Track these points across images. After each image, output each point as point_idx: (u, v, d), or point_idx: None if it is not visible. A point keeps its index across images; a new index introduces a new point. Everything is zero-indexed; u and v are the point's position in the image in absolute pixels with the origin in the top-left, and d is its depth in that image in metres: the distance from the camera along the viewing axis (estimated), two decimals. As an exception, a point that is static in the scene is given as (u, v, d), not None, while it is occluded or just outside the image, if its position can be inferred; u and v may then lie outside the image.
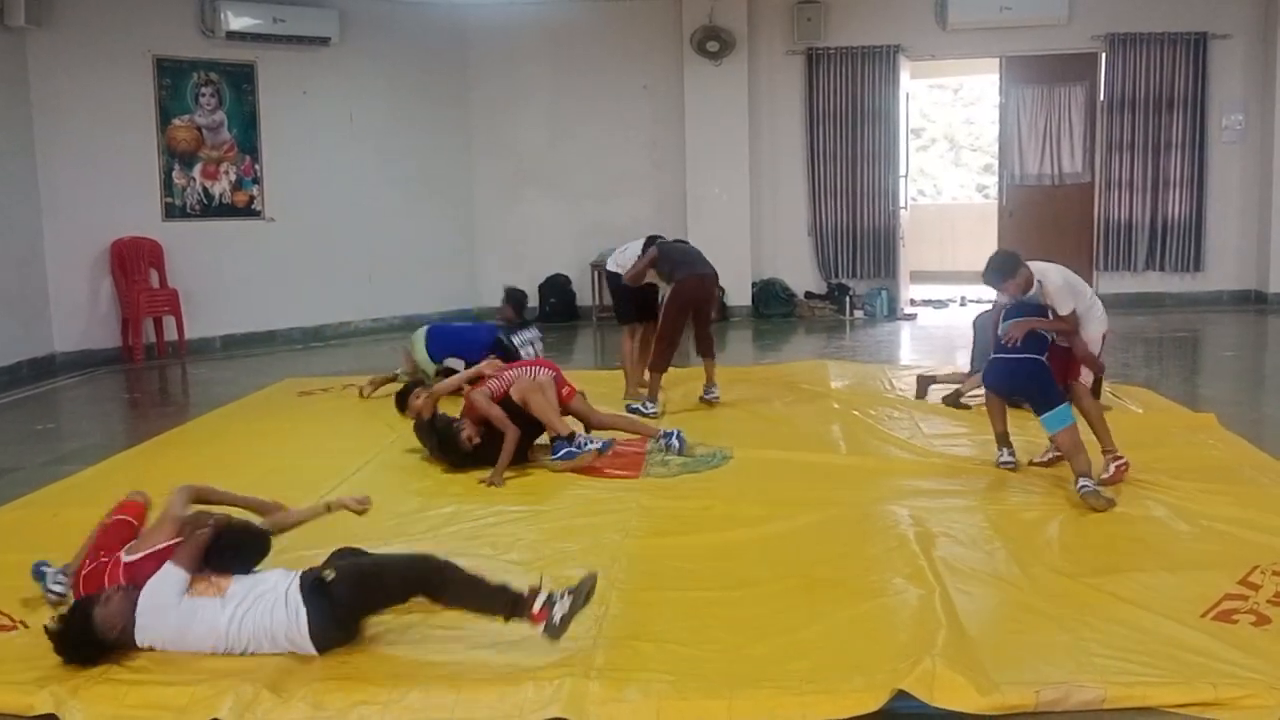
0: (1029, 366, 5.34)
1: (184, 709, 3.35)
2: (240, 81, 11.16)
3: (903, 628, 3.77)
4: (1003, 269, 5.48)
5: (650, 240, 7.78)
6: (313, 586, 3.69)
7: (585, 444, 6.00)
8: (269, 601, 3.67)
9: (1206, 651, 3.51)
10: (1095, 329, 5.70)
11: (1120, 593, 4.01)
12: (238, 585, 3.75)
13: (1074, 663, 3.46)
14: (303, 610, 3.63)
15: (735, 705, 3.27)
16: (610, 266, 8.01)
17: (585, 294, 12.72)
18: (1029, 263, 5.54)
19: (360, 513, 4.47)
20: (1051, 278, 5.46)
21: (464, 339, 8.23)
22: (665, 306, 7.45)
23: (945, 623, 3.71)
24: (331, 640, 3.66)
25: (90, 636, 3.61)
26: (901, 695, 3.23)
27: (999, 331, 5.49)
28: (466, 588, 3.71)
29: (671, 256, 7.56)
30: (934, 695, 3.20)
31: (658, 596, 4.14)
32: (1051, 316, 5.43)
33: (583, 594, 3.64)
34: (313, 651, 3.64)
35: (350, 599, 3.68)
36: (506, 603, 3.65)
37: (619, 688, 3.37)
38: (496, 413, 5.96)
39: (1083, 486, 5.07)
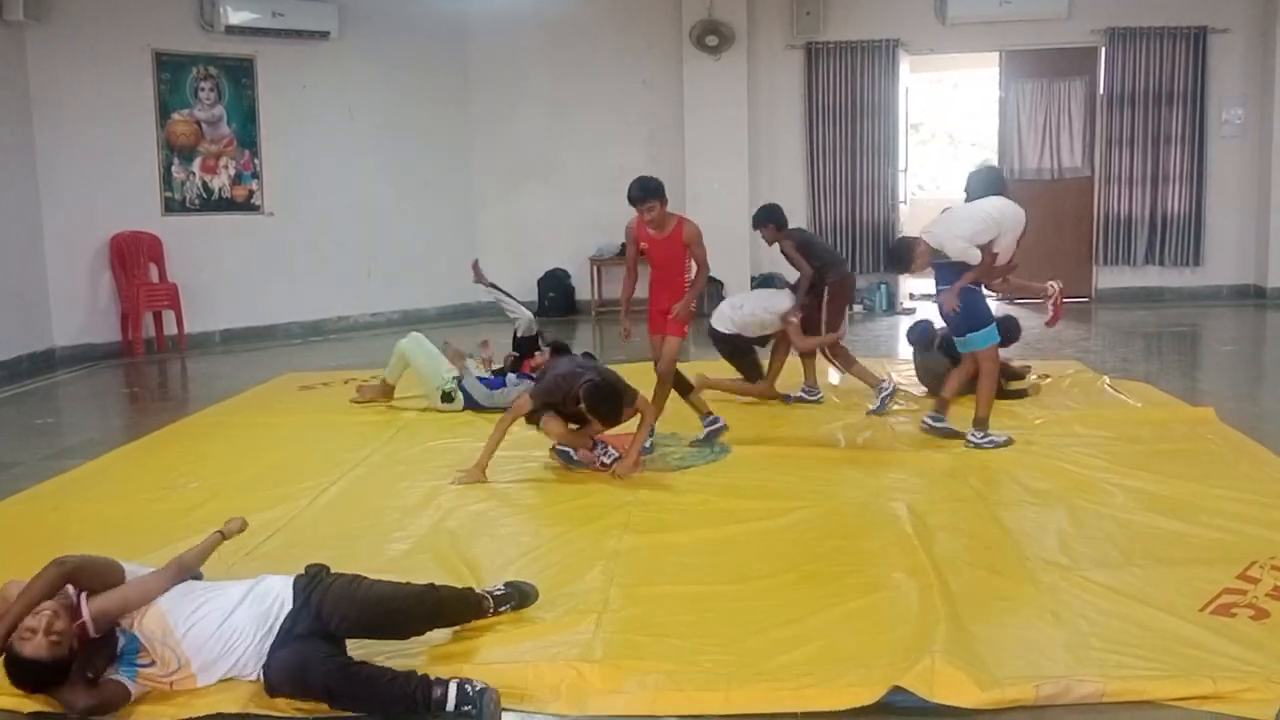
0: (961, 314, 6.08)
1: (185, 703, 3.36)
2: (240, 76, 11.15)
3: (901, 621, 3.78)
4: (900, 258, 6.15)
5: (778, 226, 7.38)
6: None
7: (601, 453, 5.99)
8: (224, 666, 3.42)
9: (1205, 645, 3.51)
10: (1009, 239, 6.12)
11: (1119, 587, 4.01)
12: (197, 652, 3.40)
13: (1073, 657, 3.47)
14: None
15: (732, 697, 3.28)
16: (726, 329, 7.19)
17: (584, 288, 12.73)
18: (928, 232, 6.05)
19: (239, 531, 3.99)
20: (953, 246, 5.90)
21: None
22: (829, 307, 7.18)
23: (944, 617, 3.72)
24: None
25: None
26: (899, 689, 3.23)
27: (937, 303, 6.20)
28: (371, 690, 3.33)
29: (821, 254, 7.36)
30: (934, 691, 3.20)
31: (656, 591, 4.15)
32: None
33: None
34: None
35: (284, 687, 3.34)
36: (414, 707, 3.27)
37: (617, 680, 3.38)
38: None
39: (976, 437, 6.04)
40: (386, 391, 7.78)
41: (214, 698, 3.36)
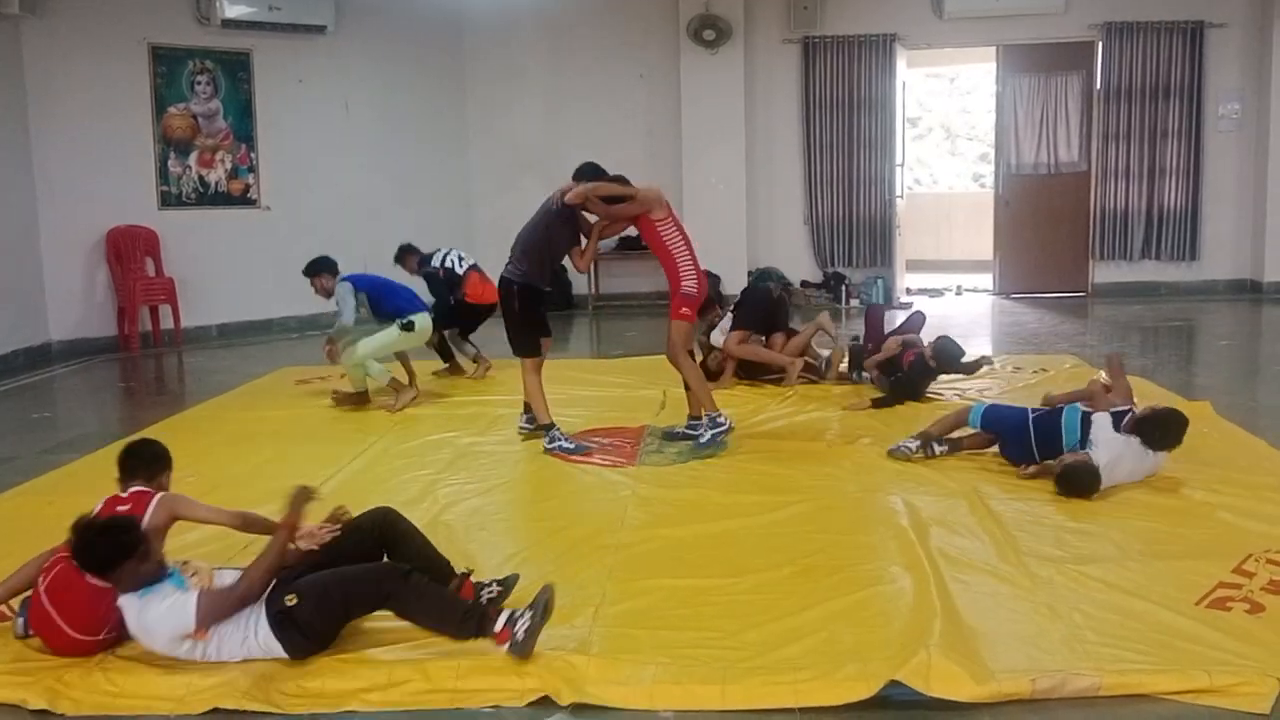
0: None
1: (182, 699, 3.36)
2: (236, 70, 11.13)
3: (898, 616, 3.79)
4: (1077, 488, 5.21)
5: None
6: (278, 619, 3.52)
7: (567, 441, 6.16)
8: (240, 636, 3.54)
9: (1201, 639, 3.53)
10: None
11: (1115, 581, 4.02)
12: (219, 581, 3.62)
13: (1069, 651, 3.47)
14: (275, 645, 3.52)
15: (728, 690, 3.29)
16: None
17: (581, 282, 12.68)
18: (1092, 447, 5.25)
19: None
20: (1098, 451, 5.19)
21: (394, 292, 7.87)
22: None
23: (940, 611, 3.73)
24: (309, 653, 3.56)
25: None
26: (895, 683, 3.24)
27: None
28: (431, 602, 3.64)
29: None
30: (930, 685, 3.21)
31: (653, 584, 4.15)
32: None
33: (541, 607, 3.55)
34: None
35: (317, 622, 3.55)
36: (469, 620, 3.60)
37: (614, 674, 3.39)
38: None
39: None
40: (361, 400, 7.64)
41: (210, 693, 3.37)
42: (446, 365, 8.65)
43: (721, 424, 6.13)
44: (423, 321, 7.72)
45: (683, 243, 6.16)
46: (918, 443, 5.81)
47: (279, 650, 3.53)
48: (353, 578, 3.62)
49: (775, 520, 4.92)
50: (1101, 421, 5.30)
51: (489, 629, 3.55)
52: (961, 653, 3.39)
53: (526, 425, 6.55)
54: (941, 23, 12.29)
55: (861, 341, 7.99)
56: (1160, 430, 5.20)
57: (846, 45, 12.39)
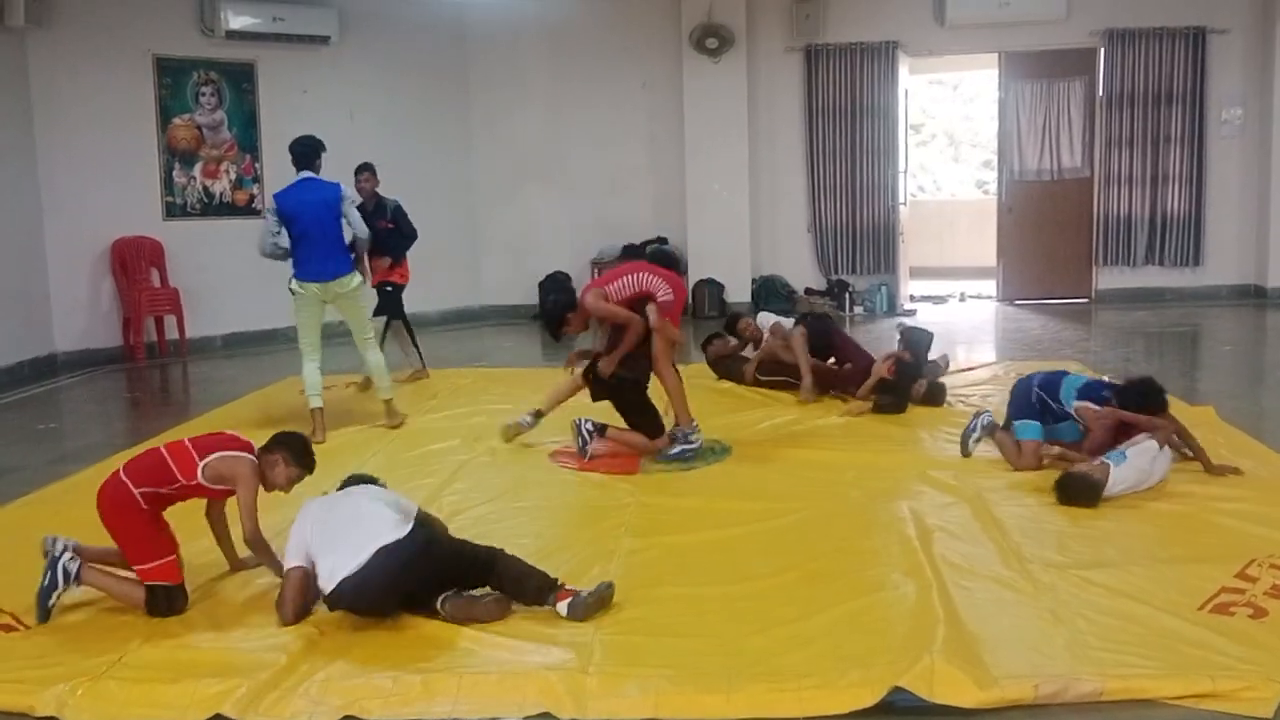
0: None
1: (186, 708, 3.37)
2: (240, 80, 11.18)
3: (901, 622, 3.79)
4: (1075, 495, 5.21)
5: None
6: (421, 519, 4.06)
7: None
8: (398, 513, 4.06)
9: (1204, 644, 3.53)
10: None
11: (1118, 586, 4.02)
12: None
13: (1072, 656, 3.48)
14: (404, 531, 3.91)
15: (733, 699, 3.29)
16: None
17: (585, 289, 12.72)
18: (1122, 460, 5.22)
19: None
20: (1123, 475, 5.16)
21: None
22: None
23: (943, 617, 3.74)
24: (361, 598, 3.85)
25: None
26: (899, 689, 3.25)
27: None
28: (516, 567, 4.02)
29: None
30: (934, 691, 3.22)
31: (656, 592, 4.16)
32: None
33: (604, 589, 3.96)
34: (337, 581, 3.83)
35: (437, 550, 3.99)
36: (543, 588, 3.94)
37: (617, 682, 3.40)
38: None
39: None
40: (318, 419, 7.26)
41: (212, 701, 3.37)
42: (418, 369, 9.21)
43: (693, 443, 6.14)
44: (305, 290, 7.43)
45: (639, 273, 6.27)
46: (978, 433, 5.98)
47: (367, 556, 3.83)
48: (466, 540, 4.23)
49: (778, 527, 4.93)
50: (1146, 449, 5.22)
51: (555, 591, 3.92)
52: (965, 658, 3.40)
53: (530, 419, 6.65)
54: (943, 30, 12.30)
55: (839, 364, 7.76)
56: (1140, 396, 5.57)
57: (849, 53, 12.40)
